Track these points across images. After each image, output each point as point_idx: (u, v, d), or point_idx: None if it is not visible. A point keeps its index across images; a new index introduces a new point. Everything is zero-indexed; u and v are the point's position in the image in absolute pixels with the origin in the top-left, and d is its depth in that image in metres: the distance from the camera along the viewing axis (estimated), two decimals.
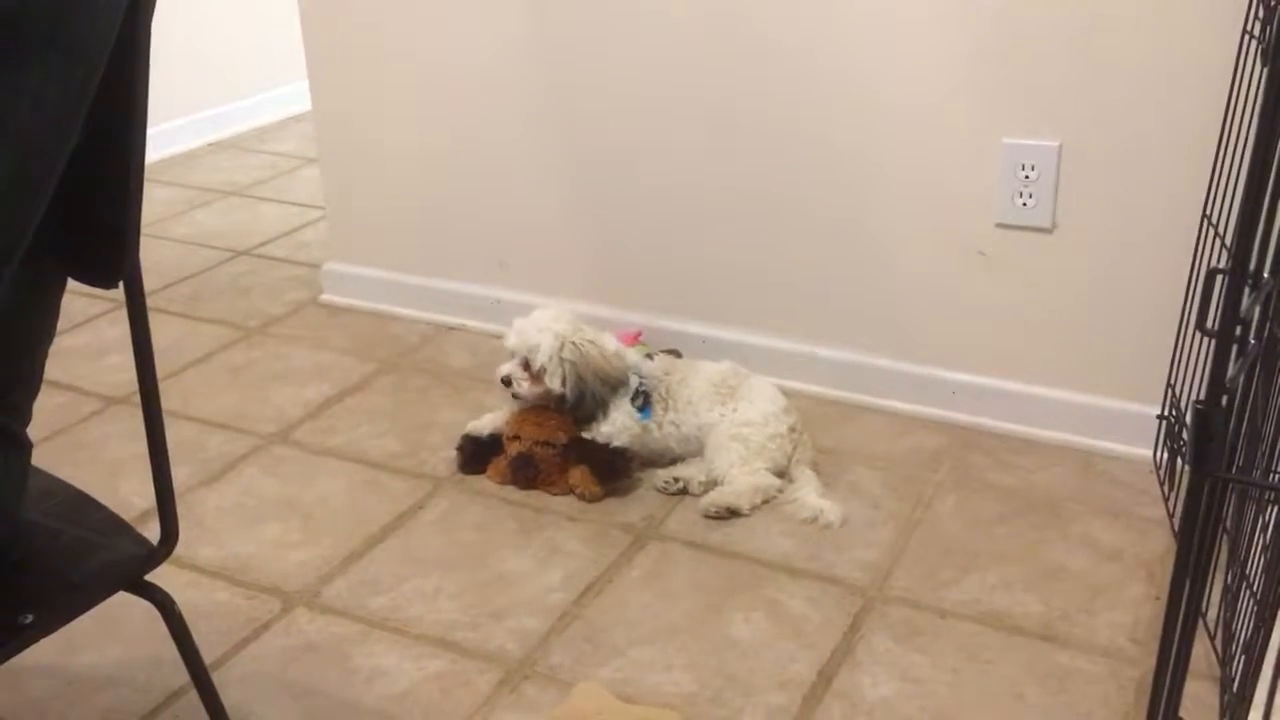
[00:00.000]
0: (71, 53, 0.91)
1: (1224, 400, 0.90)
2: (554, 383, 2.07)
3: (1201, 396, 0.90)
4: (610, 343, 2.13)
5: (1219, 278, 0.92)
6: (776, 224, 2.34)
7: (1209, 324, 0.92)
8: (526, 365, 2.07)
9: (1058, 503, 2.03)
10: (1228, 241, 1.79)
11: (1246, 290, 0.92)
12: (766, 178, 2.31)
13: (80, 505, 1.24)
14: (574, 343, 2.06)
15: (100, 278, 1.07)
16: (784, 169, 2.29)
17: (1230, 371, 0.88)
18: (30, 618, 1.07)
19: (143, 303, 1.10)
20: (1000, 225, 2.14)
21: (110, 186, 1.02)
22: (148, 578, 1.21)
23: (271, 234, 3.31)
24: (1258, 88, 1.74)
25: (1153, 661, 1.62)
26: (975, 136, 2.11)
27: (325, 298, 2.87)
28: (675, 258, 2.46)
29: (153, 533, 1.22)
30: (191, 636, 1.27)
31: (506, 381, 2.09)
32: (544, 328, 2.07)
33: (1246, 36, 1.78)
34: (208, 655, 1.63)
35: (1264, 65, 1.39)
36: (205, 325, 2.76)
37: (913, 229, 2.22)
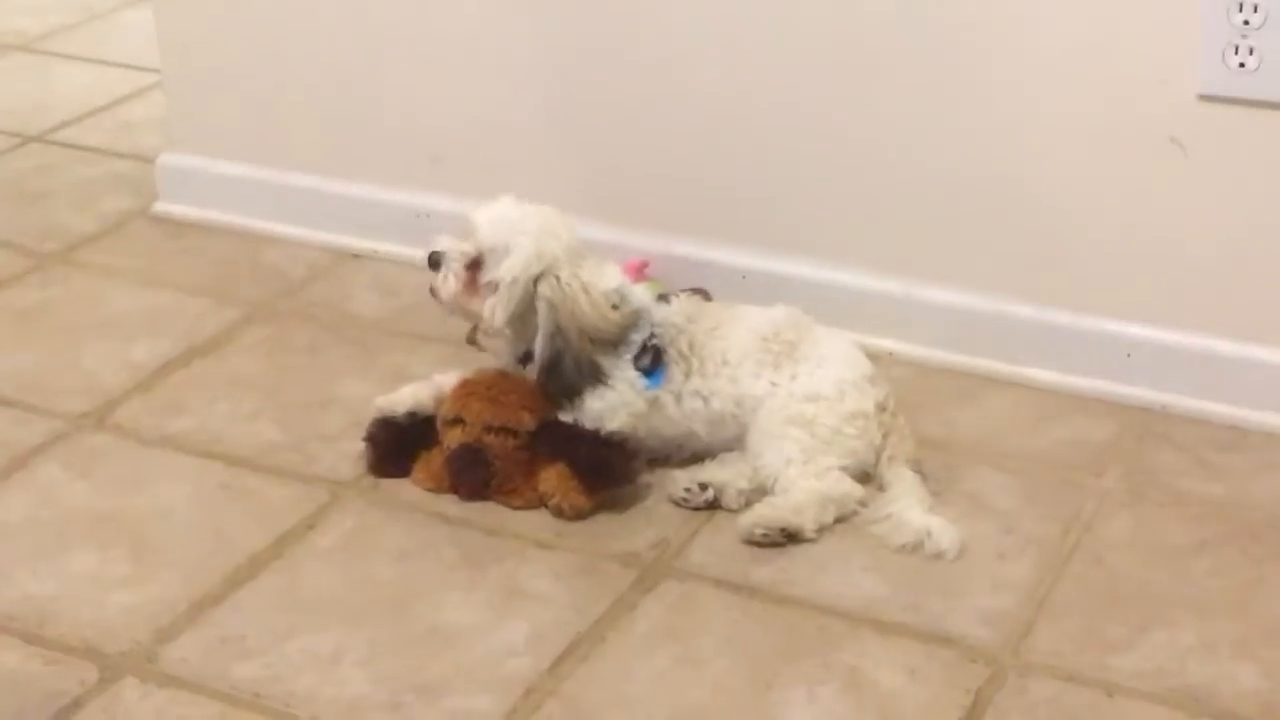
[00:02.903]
0: None
1: None
2: (497, 315, 2.08)
3: None
4: (609, 277, 2.14)
5: None
6: (855, 101, 2.33)
7: None
8: (476, 264, 2.09)
9: None
10: None
11: None
12: (839, 30, 2.31)
13: None
14: (558, 276, 2.07)
15: None
16: (868, 29, 2.29)
17: None
18: None
19: None
20: (1204, 98, 2.14)
21: None
22: None
23: (78, 110, 3.29)
24: None
25: None
26: None
27: (161, 207, 2.87)
28: (703, 151, 2.45)
29: None
30: None
31: (434, 262, 2.11)
32: (529, 230, 2.08)
33: None
34: None
35: None
36: None
37: (1066, 108, 2.21)
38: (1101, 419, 2.25)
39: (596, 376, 2.09)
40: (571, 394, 2.09)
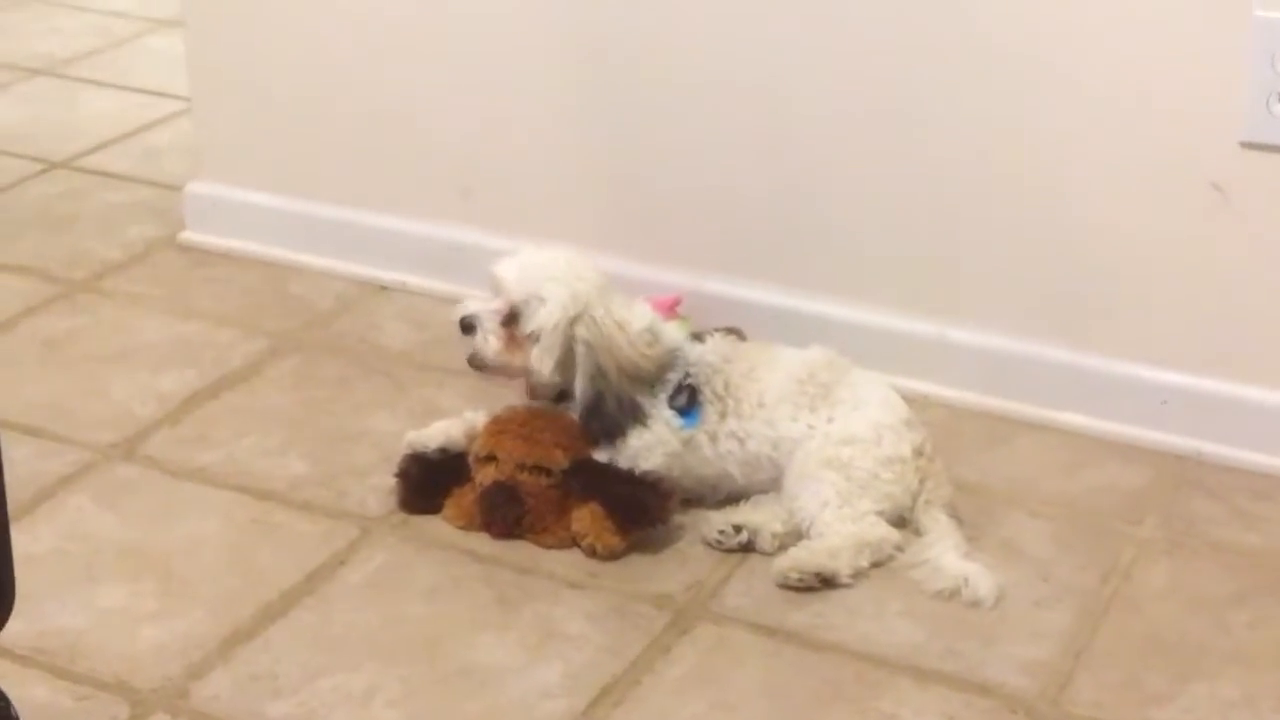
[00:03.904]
0: None
1: None
2: (544, 364, 2.08)
3: None
4: (641, 315, 2.14)
5: None
6: (891, 142, 2.33)
7: None
8: (511, 318, 2.08)
9: None
10: None
11: None
12: (878, 75, 2.31)
13: None
14: (594, 316, 2.06)
15: None
16: (908, 64, 2.29)
17: None
18: None
19: None
20: (1246, 145, 2.14)
21: None
22: None
23: (103, 136, 3.30)
24: None
25: None
26: (1211, 10, 2.11)
27: (188, 236, 2.86)
28: (736, 188, 2.45)
29: None
30: None
31: (468, 326, 2.10)
32: (558, 276, 2.08)
33: None
34: None
35: None
36: (2, 275, 2.75)
37: (1106, 153, 2.22)
38: (1136, 466, 2.25)
39: (638, 415, 2.09)
40: (615, 434, 2.09)
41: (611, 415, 2.08)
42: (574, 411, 2.11)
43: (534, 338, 2.08)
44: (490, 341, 2.10)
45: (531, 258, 2.12)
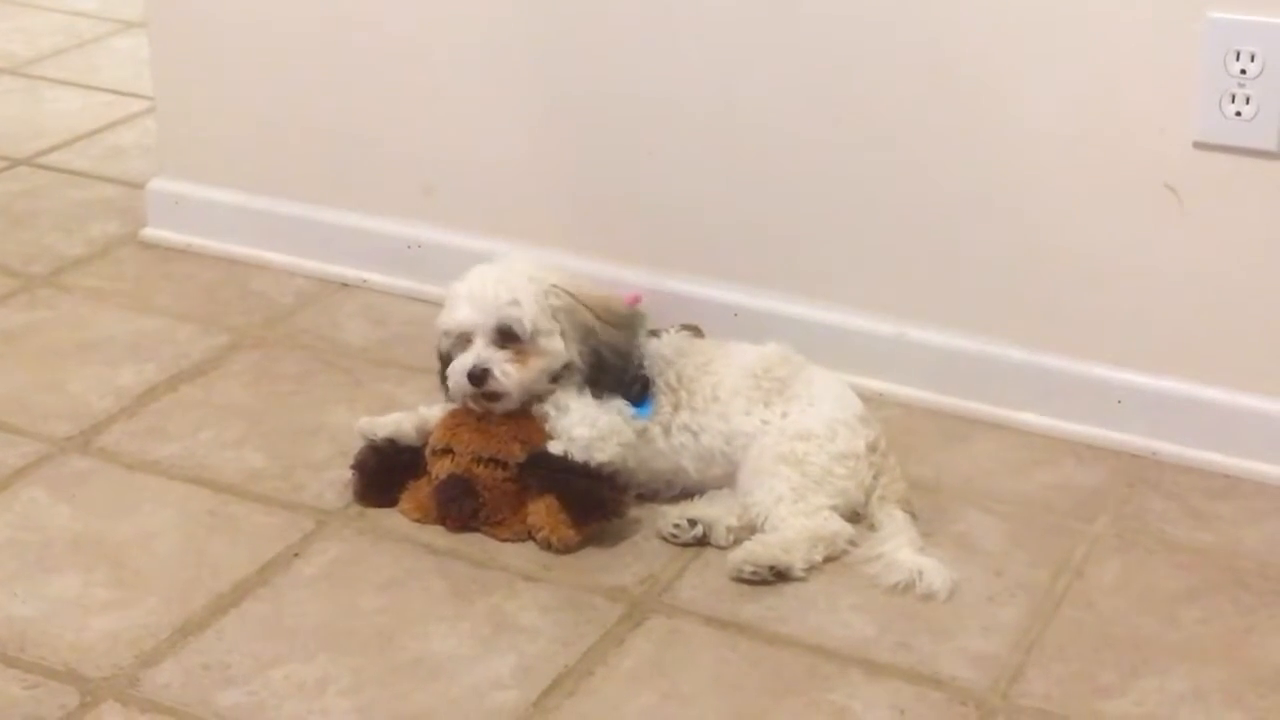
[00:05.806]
0: None
1: None
2: (553, 343, 2.07)
3: None
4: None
5: None
6: (849, 141, 2.34)
7: None
8: (504, 338, 2.06)
9: (1278, 573, 2.04)
10: None
11: None
12: (836, 74, 2.32)
13: None
14: (555, 284, 2.08)
15: None
16: (867, 66, 2.30)
17: None
18: None
19: None
20: (1200, 146, 2.15)
21: None
22: None
23: (67, 134, 3.30)
24: None
25: None
26: (1164, 11, 2.12)
27: (150, 233, 2.87)
28: (696, 188, 2.46)
29: None
30: None
31: (478, 378, 2.05)
32: (505, 279, 2.08)
33: None
34: None
35: None
36: None
37: (1060, 154, 2.23)
38: (1091, 465, 2.26)
39: (636, 357, 2.11)
40: (626, 382, 2.10)
41: (614, 364, 2.09)
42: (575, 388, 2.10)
43: (537, 337, 2.06)
44: (510, 371, 2.05)
45: (475, 283, 2.09)
